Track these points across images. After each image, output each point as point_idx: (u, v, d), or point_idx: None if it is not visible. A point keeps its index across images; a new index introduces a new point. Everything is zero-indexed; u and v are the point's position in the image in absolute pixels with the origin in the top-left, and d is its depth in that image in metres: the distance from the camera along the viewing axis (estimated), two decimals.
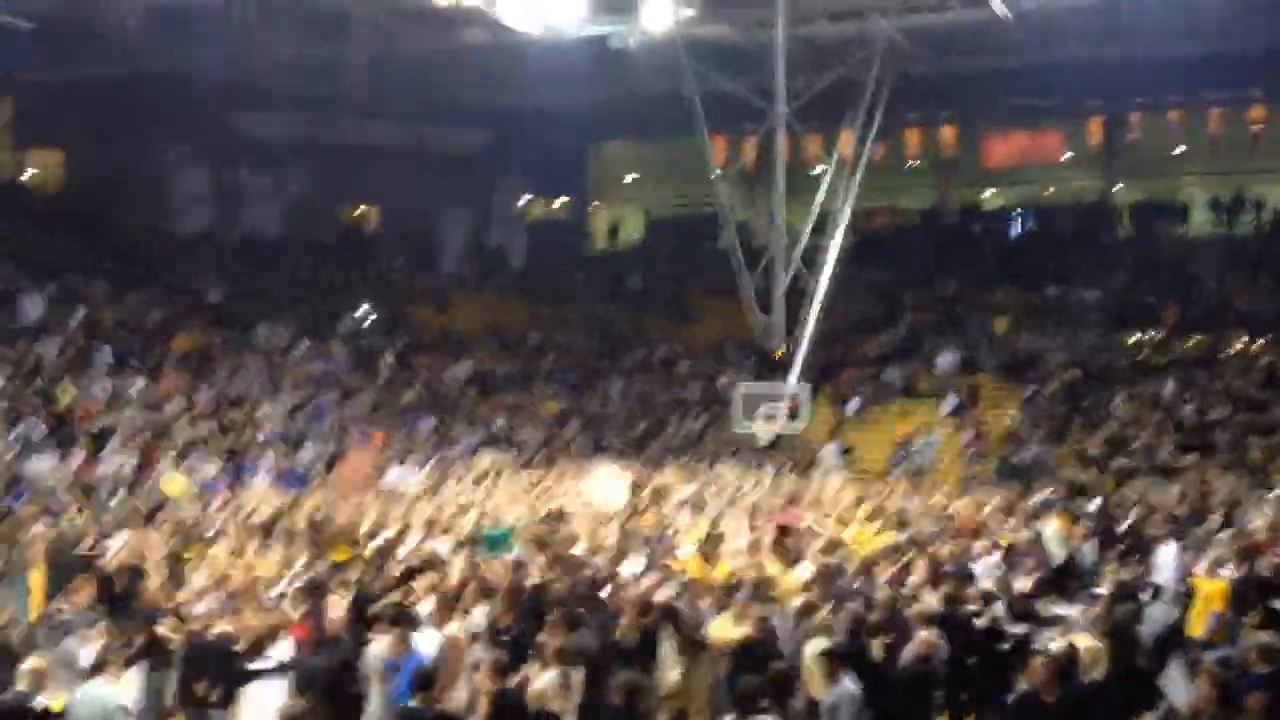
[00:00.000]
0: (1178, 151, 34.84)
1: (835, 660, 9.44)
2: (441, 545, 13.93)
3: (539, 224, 42.70)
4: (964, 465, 25.87)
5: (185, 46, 30.23)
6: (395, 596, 11.24)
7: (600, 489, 18.71)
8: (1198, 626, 11.94)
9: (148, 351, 26.70)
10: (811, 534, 14.80)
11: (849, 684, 9.26)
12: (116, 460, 20.34)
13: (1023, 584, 13.38)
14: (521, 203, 42.08)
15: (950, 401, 28.10)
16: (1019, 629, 12.03)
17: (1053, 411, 26.87)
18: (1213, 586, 12.37)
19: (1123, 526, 17.05)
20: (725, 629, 10.80)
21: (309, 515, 15.67)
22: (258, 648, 10.04)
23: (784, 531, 14.83)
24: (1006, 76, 31.05)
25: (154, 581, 12.09)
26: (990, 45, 29.39)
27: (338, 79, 35.35)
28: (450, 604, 10.78)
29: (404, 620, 10.15)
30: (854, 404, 28.97)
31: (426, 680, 8.72)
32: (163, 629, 10.36)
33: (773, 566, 12.79)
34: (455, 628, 9.98)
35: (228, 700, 9.61)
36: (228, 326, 29.53)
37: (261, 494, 18.18)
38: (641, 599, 11.16)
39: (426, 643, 9.77)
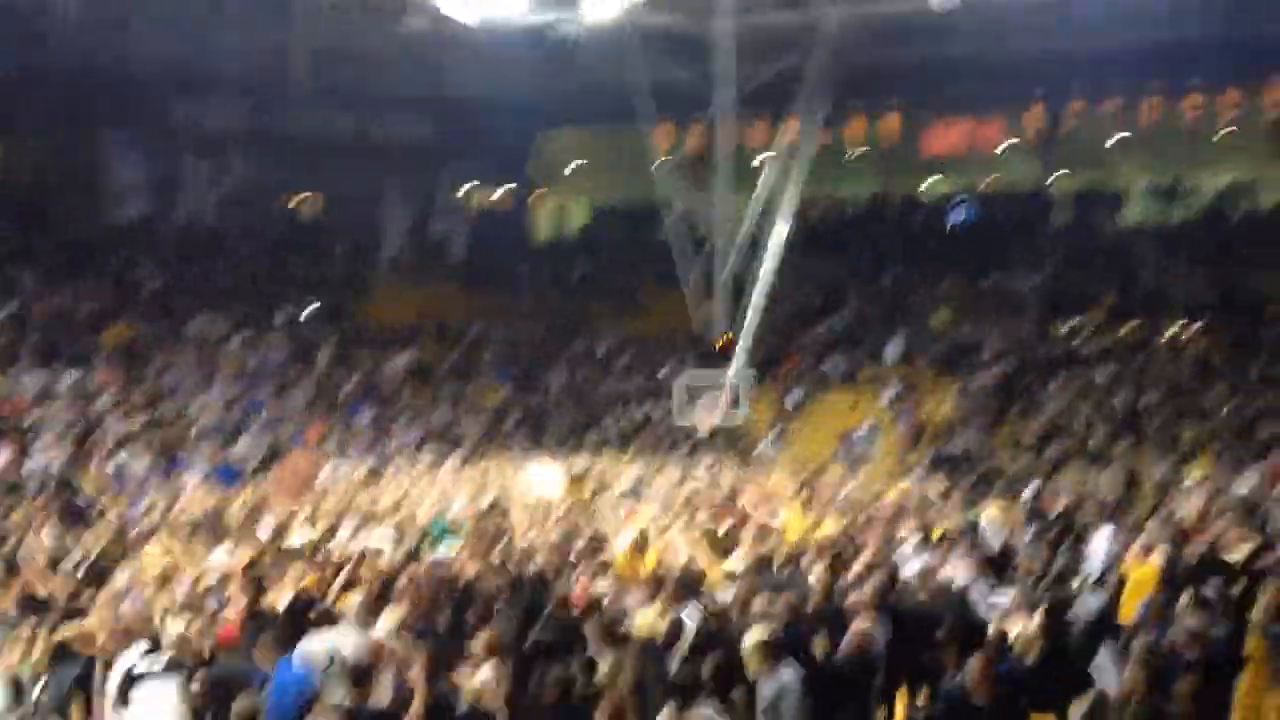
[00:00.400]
0: (1115, 140, 35.23)
1: (774, 650, 9.40)
2: (375, 540, 13.77)
3: (482, 213, 42.47)
4: (901, 455, 26.02)
5: (125, 34, 29.84)
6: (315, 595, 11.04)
7: (537, 482, 18.66)
8: (1129, 612, 12.03)
9: (80, 344, 26.29)
10: (745, 525, 14.80)
11: (788, 673, 9.24)
12: (45, 456, 19.98)
13: (957, 571, 13.44)
14: (465, 192, 41.81)
15: (891, 391, 28.25)
16: (954, 615, 12.08)
17: (987, 402, 27.07)
18: (1143, 572, 12.46)
19: (1056, 512, 17.20)
20: (650, 621, 10.77)
21: (240, 512, 15.47)
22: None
23: (719, 522, 14.81)
24: (949, 66, 31.28)
25: (69, 582, 11.79)
26: (933, 35, 29.66)
27: (279, 67, 34.99)
28: (375, 601, 10.65)
29: (324, 619, 9.97)
30: (795, 394, 29.03)
31: (362, 677, 8.62)
32: (69, 631, 10.10)
33: (705, 558, 12.74)
34: (380, 626, 9.81)
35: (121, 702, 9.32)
36: (164, 318, 29.12)
37: (193, 491, 17.88)
38: (567, 593, 11.13)
39: (348, 641, 9.61)
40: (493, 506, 16.25)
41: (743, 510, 16.31)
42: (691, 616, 10.73)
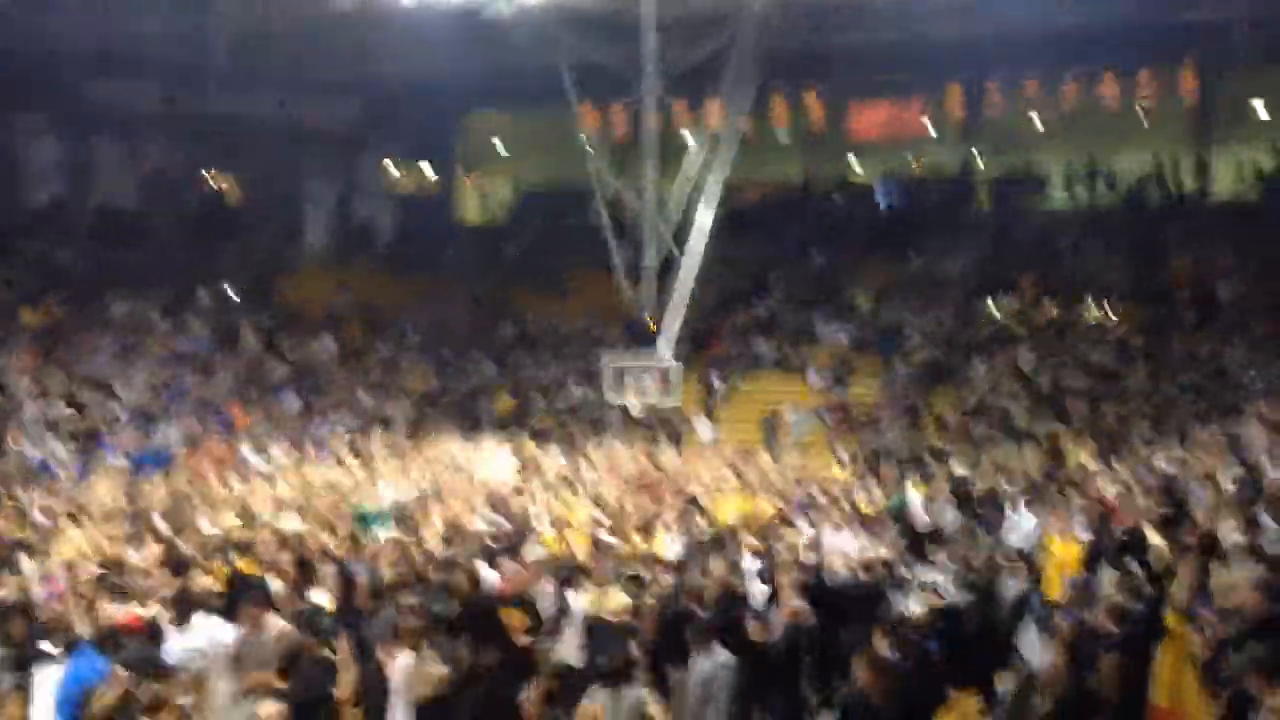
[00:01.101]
0: (1035, 124, 35.65)
1: (706, 631, 9.49)
2: (296, 524, 13.63)
3: (408, 196, 42.04)
4: (828, 437, 26.23)
5: (38, 14, 29.07)
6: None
7: (487, 464, 18.62)
8: (1053, 589, 12.27)
9: None
10: (672, 505, 14.87)
11: (721, 654, 9.32)
12: None
13: (883, 550, 13.62)
14: (390, 174, 41.37)
15: (818, 374, 28.46)
16: (880, 593, 12.24)
17: (912, 384, 27.39)
18: (1066, 549, 12.72)
19: (980, 491, 17.48)
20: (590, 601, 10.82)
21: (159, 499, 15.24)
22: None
23: (645, 502, 14.85)
24: (872, 50, 31.45)
25: None
26: (857, 19, 29.80)
27: (198, 46, 34.28)
28: (297, 586, 10.57)
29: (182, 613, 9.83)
30: (722, 377, 29.13)
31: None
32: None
33: (632, 538, 12.79)
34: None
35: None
36: (84, 301, 28.57)
37: (108, 477, 17.57)
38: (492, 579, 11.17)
39: (221, 631, 9.53)
40: (426, 493, 16.15)
41: (668, 490, 16.40)
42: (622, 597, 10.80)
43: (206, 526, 13.69)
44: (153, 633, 9.35)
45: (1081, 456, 20.28)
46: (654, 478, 17.81)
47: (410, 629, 9.43)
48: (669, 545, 12.78)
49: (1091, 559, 12.26)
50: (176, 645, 9.29)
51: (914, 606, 12.56)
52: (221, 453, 21.03)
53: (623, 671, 8.61)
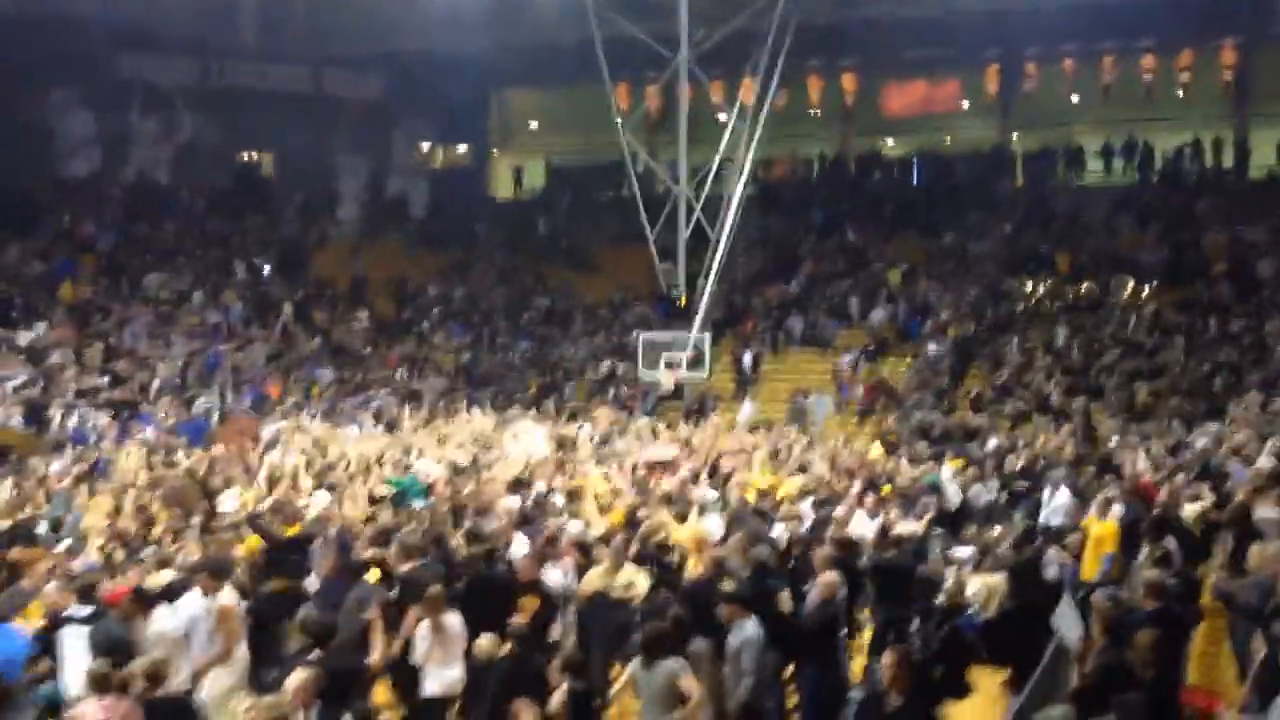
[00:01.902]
0: (1072, 100, 35.38)
1: (737, 604, 9.50)
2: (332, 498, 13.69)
3: (440, 172, 42.11)
4: (860, 412, 26.16)
5: None
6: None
7: (522, 441, 18.64)
8: (1090, 568, 12.22)
9: (34, 301, 25.98)
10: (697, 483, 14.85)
11: (751, 627, 9.33)
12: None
13: (916, 526, 13.60)
14: (422, 150, 41.42)
15: (850, 354, 28.41)
16: (914, 570, 12.23)
17: (945, 360, 27.25)
18: (1104, 528, 12.65)
19: (1014, 469, 17.41)
20: (594, 579, 10.86)
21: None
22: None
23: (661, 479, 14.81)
24: (905, 26, 31.27)
25: None
26: None
27: (231, 21, 34.42)
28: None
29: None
30: (753, 353, 29.09)
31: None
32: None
33: (659, 515, 12.73)
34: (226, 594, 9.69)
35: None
36: (118, 275, 28.79)
37: (138, 448, 17.67)
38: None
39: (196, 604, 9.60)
40: (458, 466, 16.19)
41: (702, 464, 16.39)
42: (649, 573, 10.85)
43: (226, 502, 13.70)
44: (133, 606, 9.41)
45: (1116, 434, 20.20)
46: (682, 454, 17.72)
47: (431, 598, 9.57)
48: (709, 522, 12.72)
49: (1127, 537, 12.20)
50: (160, 619, 9.37)
51: (952, 582, 12.58)
52: (251, 426, 21.12)
53: (656, 644, 8.64)
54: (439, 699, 9.45)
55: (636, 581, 10.69)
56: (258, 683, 9.32)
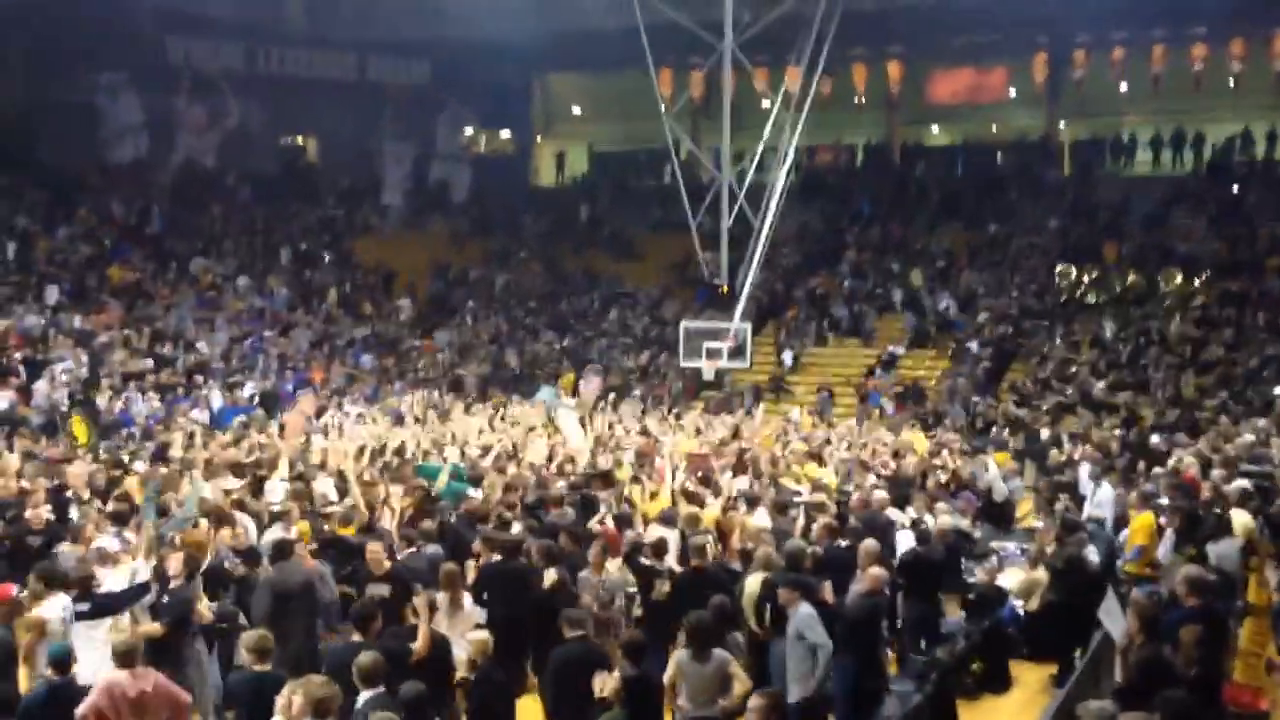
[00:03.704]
0: (1121, 89, 34.96)
1: (790, 588, 9.37)
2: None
3: (483, 158, 42.21)
4: (900, 405, 25.99)
5: None
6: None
7: (561, 425, 18.61)
8: (1131, 561, 12.11)
9: (82, 284, 26.28)
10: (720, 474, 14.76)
11: (807, 607, 9.23)
12: (49, 394, 20.00)
13: (961, 519, 13.53)
14: (466, 136, 41.53)
15: (894, 343, 28.29)
16: (955, 562, 12.18)
17: (989, 352, 27.02)
18: (1141, 520, 12.53)
19: (1059, 462, 17.28)
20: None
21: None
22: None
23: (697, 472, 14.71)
24: (952, 13, 30.98)
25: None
26: None
27: (278, 7, 34.60)
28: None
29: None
30: (795, 343, 28.99)
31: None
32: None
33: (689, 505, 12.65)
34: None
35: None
36: (163, 258, 29.07)
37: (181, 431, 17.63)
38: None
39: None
40: (506, 453, 16.19)
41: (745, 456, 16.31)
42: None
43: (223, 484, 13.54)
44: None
45: (1162, 429, 20.01)
46: (727, 443, 17.60)
47: (448, 574, 9.75)
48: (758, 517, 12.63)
49: (1179, 533, 12.05)
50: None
51: (985, 575, 12.51)
52: (305, 408, 21.15)
53: (703, 633, 8.59)
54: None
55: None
56: None
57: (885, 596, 10.52)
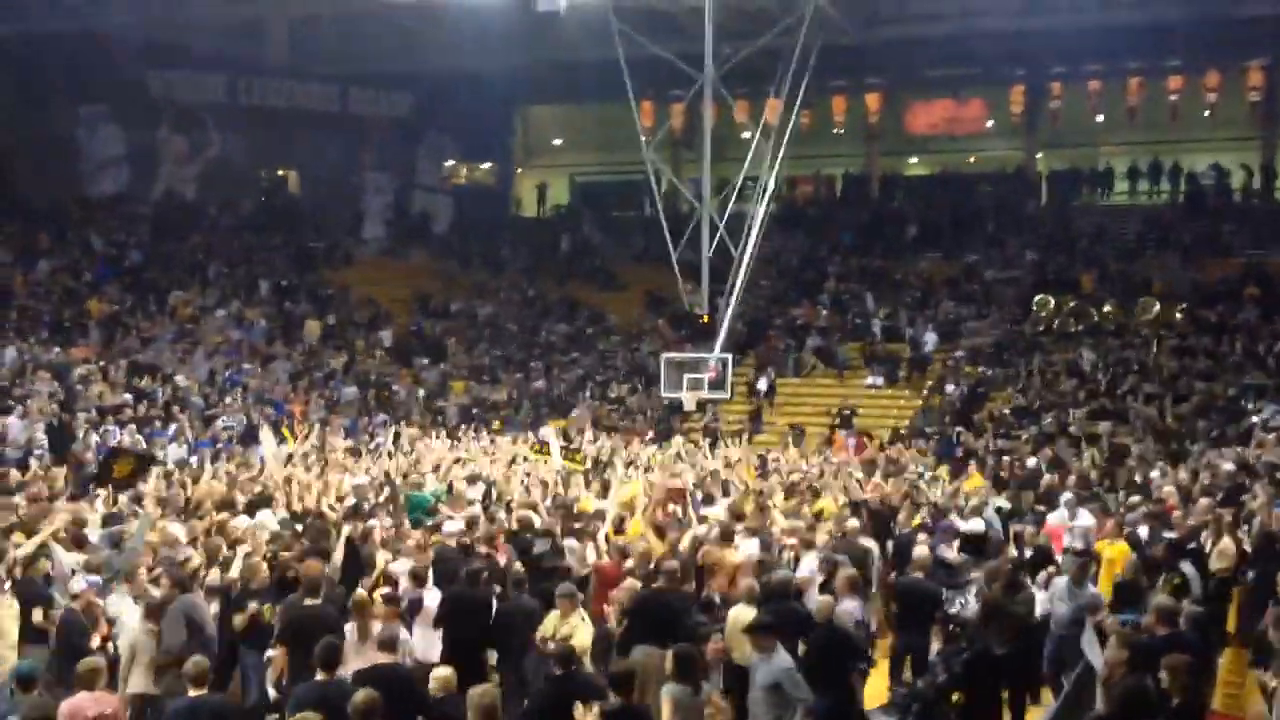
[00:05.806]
0: (1098, 121, 35.28)
1: (767, 632, 9.29)
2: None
3: (464, 189, 42.27)
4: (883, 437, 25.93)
5: (101, 4, 29.51)
6: None
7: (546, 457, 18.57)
8: (1105, 590, 12.11)
9: (61, 317, 26.18)
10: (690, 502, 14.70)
11: (784, 657, 9.12)
12: (25, 427, 19.87)
13: (939, 549, 13.49)
14: (446, 167, 41.60)
15: (872, 374, 28.34)
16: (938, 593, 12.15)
17: (966, 387, 27.01)
18: (1115, 549, 12.55)
19: (1037, 491, 17.30)
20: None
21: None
22: None
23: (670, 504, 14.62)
24: (930, 46, 31.27)
25: None
26: (914, 14, 29.66)
27: (259, 40, 34.70)
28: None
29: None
30: (766, 376, 28.91)
31: None
32: None
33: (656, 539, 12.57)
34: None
35: None
36: (144, 291, 28.98)
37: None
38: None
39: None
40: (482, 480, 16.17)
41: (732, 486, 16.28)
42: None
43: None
44: None
45: (1139, 457, 20.07)
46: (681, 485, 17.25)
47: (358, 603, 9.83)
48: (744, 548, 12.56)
49: (1145, 561, 12.07)
50: None
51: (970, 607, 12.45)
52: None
53: (690, 665, 8.55)
54: None
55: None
56: None
57: (858, 628, 10.47)
